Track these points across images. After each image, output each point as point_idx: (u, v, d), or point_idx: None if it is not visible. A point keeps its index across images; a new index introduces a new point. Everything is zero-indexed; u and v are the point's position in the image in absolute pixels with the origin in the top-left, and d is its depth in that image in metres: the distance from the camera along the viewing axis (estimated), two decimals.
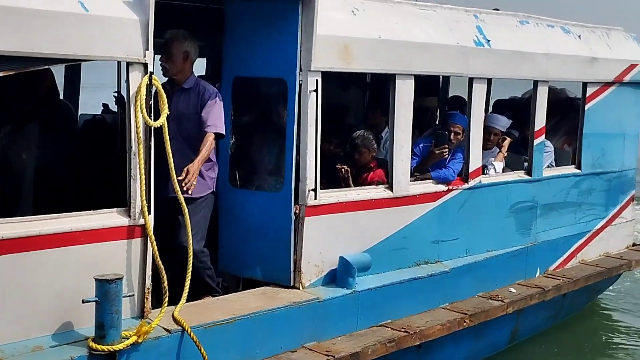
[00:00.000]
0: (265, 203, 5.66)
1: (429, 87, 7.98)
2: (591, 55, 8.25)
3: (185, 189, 5.01)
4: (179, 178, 4.95)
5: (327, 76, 5.65)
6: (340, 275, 5.89)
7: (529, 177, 7.69)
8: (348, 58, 5.79)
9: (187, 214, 4.99)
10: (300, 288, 5.69)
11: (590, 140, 8.45)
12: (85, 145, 6.07)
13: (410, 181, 6.55)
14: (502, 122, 7.64)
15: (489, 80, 7.79)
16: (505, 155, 7.64)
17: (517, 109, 8.30)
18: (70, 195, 4.90)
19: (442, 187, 6.76)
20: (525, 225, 7.71)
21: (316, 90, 5.54)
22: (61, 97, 5.99)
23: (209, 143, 5.27)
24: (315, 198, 5.65)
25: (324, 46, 5.57)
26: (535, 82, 7.63)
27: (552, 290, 7.61)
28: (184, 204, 4.94)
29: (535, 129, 7.68)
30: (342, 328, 5.80)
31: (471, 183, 6.99)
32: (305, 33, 5.47)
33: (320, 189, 5.71)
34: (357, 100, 8.01)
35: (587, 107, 8.34)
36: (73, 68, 7.14)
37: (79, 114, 7.27)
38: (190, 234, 5.01)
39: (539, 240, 7.91)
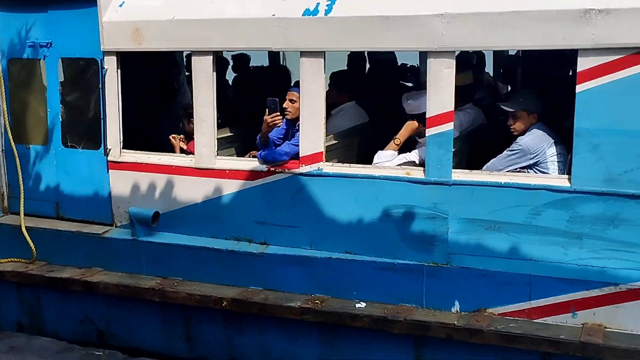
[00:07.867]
0: (90, 159, 7.32)
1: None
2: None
3: None
4: None
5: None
6: (130, 223, 7.04)
7: (420, 177, 5.85)
8: (139, 39, 6.74)
9: None
10: (114, 226, 7.23)
11: (601, 141, 5.30)
12: None
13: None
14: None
15: None
16: (398, 144, 6.03)
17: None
18: None
19: (263, 167, 6.44)
20: (425, 237, 5.91)
21: (107, 68, 6.87)
22: None
23: None
24: (119, 154, 7.04)
25: (117, 30, 6.83)
26: (424, 54, 5.65)
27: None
28: None
29: (429, 115, 5.73)
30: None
31: (304, 169, 6.24)
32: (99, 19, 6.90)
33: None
34: None
35: (581, 87, 5.27)
36: None
37: None
38: None
39: (456, 265, 5.85)
